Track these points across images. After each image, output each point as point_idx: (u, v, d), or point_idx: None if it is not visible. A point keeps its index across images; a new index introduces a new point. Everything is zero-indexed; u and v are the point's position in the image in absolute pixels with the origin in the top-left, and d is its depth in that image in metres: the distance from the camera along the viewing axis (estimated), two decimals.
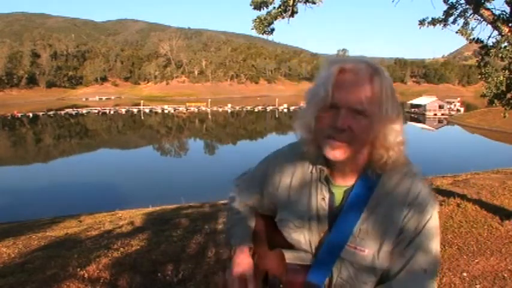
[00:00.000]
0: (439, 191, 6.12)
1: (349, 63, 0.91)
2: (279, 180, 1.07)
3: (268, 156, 1.15)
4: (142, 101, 73.30)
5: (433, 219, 0.94)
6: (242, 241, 1.12)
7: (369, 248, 0.94)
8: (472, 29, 5.18)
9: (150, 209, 7.77)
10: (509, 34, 4.54)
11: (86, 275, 3.18)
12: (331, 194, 0.99)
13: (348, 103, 0.88)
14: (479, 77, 5.34)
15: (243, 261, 1.08)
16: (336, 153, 0.90)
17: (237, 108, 69.76)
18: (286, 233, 1.04)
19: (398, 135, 0.93)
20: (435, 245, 0.94)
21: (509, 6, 4.60)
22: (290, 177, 1.05)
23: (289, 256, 1.00)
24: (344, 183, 0.99)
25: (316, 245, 1.00)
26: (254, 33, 5.61)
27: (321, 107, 0.91)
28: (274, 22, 5.42)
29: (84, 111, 65.27)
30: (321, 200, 0.99)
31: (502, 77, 4.90)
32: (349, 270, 0.96)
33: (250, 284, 1.04)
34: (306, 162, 1.03)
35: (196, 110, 68.73)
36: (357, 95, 0.88)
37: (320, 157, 0.98)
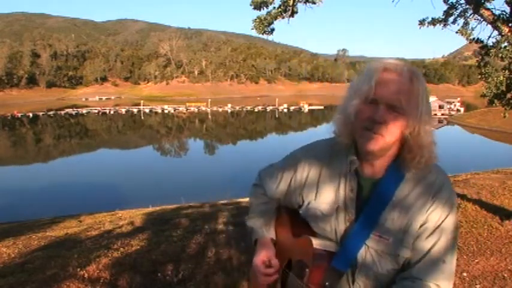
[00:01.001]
0: None
1: (392, 63, 1.00)
2: (309, 173, 1.13)
3: (296, 151, 1.20)
4: (142, 101, 73.30)
5: (454, 212, 1.01)
6: (265, 233, 1.20)
7: (394, 237, 1.00)
8: (472, 29, 5.17)
9: (150, 209, 7.77)
10: (509, 34, 4.53)
11: (86, 275, 3.18)
12: (360, 185, 1.05)
13: (387, 99, 0.95)
14: (479, 77, 5.34)
15: (266, 249, 1.16)
16: (371, 144, 0.97)
17: (237, 108, 69.77)
18: (312, 222, 1.10)
19: (430, 136, 0.99)
20: (454, 237, 1.01)
21: (509, 6, 4.60)
22: (319, 170, 1.11)
23: (316, 242, 1.06)
24: (373, 176, 1.05)
25: (342, 234, 1.06)
26: (254, 33, 5.60)
27: (362, 100, 0.98)
28: (274, 22, 5.42)
29: (84, 111, 65.28)
30: (349, 191, 1.05)
31: (502, 77, 4.89)
32: (373, 258, 1.02)
33: (273, 261, 1.13)
34: (336, 155, 1.09)
35: (196, 110, 68.74)
36: (397, 93, 0.96)
37: (351, 150, 1.05)
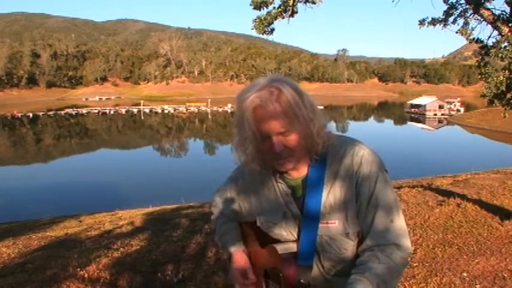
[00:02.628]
0: (439, 191, 6.12)
1: (256, 98, 1.03)
2: (249, 194, 1.24)
3: (232, 176, 1.32)
4: (142, 101, 73.28)
5: (380, 173, 1.08)
6: (236, 246, 1.27)
7: (338, 219, 1.09)
8: (472, 29, 5.17)
9: (150, 209, 7.77)
10: (509, 34, 4.53)
11: (86, 275, 3.18)
12: (292, 187, 1.15)
13: (273, 131, 1.04)
14: (479, 77, 5.33)
15: (241, 260, 1.23)
16: (286, 166, 1.10)
17: None
18: (269, 232, 1.19)
19: (318, 125, 1.08)
20: (390, 195, 1.08)
21: (509, 6, 4.60)
22: (256, 187, 1.22)
23: (280, 248, 1.15)
24: (299, 175, 1.14)
25: (297, 233, 1.15)
26: (254, 33, 5.59)
27: (255, 143, 1.07)
28: (274, 22, 5.41)
29: (84, 111, 65.27)
30: (285, 195, 1.15)
31: (502, 77, 4.89)
32: (329, 243, 1.11)
33: (250, 275, 1.20)
34: (261, 172, 1.18)
35: (196, 110, 68.74)
36: (276, 124, 1.03)
37: (270, 165, 1.15)
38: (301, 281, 1.12)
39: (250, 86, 1.08)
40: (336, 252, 1.12)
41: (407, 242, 1.07)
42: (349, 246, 1.11)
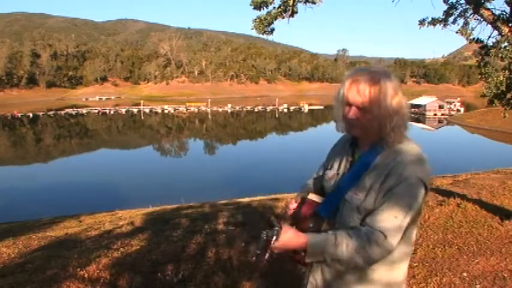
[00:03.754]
0: (439, 191, 6.12)
1: (358, 75, 1.31)
2: (334, 154, 1.53)
3: (335, 143, 1.63)
4: (142, 101, 73.23)
5: (408, 182, 1.24)
6: (300, 193, 1.58)
7: (362, 194, 1.30)
8: (472, 29, 5.17)
9: (150, 209, 7.77)
10: (509, 34, 4.53)
11: (86, 275, 3.18)
12: (354, 157, 1.42)
13: (355, 103, 1.30)
14: (479, 77, 5.33)
15: (293, 202, 1.55)
16: (352, 131, 1.37)
17: (237, 108, 69.75)
18: (324, 183, 1.49)
19: (396, 123, 1.29)
20: (407, 199, 1.25)
21: (509, 6, 4.60)
22: (339, 150, 1.51)
23: (313, 196, 1.48)
24: (362, 150, 1.39)
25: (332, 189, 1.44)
26: (254, 33, 5.59)
27: (342, 104, 1.35)
28: (274, 22, 5.41)
29: (84, 111, 65.24)
30: (346, 161, 1.43)
31: (502, 77, 4.88)
32: (347, 208, 1.34)
33: (290, 210, 1.52)
34: (344, 139, 1.51)
35: (196, 110, 68.71)
36: (360, 98, 1.29)
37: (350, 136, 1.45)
38: (311, 225, 1.38)
39: (362, 67, 1.37)
40: (345, 220, 1.33)
41: (393, 240, 1.24)
42: (356, 220, 1.31)
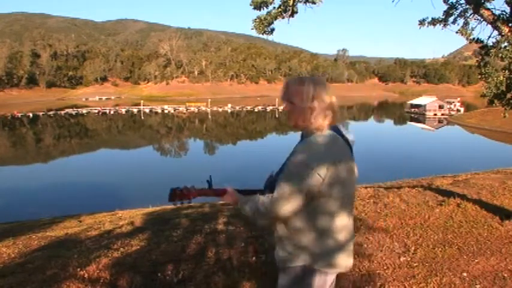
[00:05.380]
0: (439, 191, 6.12)
1: (292, 79, 1.77)
2: None
3: None
4: (142, 101, 73.19)
5: (297, 159, 1.61)
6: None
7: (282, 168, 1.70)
8: (472, 29, 5.16)
9: (150, 209, 7.77)
10: (509, 34, 4.53)
11: (86, 275, 3.18)
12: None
13: (285, 96, 1.73)
14: (479, 77, 5.32)
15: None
16: (288, 122, 1.74)
17: (237, 108, 69.72)
18: None
19: (312, 115, 1.66)
20: (292, 172, 1.61)
21: (509, 6, 4.60)
22: None
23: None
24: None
25: None
26: (254, 33, 5.58)
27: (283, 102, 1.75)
28: (274, 22, 5.41)
29: (84, 111, 65.21)
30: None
31: (502, 77, 4.88)
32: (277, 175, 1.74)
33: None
34: None
35: (196, 110, 68.68)
36: (287, 93, 1.72)
37: None
38: (266, 191, 1.76)
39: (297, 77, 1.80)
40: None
41: (277, 206, 1.61)
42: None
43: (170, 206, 7.89)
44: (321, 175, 1.57)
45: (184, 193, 1.78)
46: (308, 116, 1.65)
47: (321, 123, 1.65)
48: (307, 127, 1.67)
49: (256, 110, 68.14)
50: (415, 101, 64.84)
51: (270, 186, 1.73)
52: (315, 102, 1.64)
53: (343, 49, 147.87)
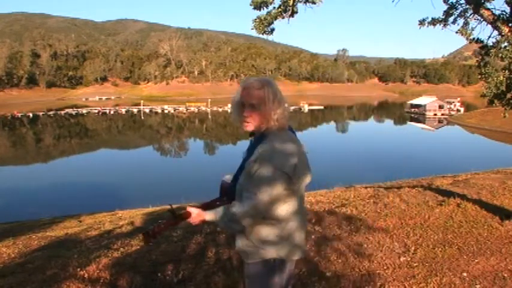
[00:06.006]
0: (439, 191, 6.12)
1: (247, 84, 1.80)
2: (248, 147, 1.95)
3: None
4: (142, 101, 73.19)
5: (262, 169, 1.68)
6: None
7: (243, 178, 1.78)
8: (472, 29, 5.15)
9: (150, 209, 7.78)
10: (509, 34, 4.53)
11: (86, 275, 3.18)
12: (250, 148, 1.84)
13: (247, 102, 1.76)
14: (479, 77, 5.31)
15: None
16: (247, 127, 1.79)
17: None
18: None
19: (275, 117, 1.74)
20: (264, 180, 1.67)
21: (509, 6, 4.60)
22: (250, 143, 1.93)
23: (227, 177, 1.99)
24: (255, 139, 1.83)
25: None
26: (254, 33, 5.58)
27: (238, 106, 1.81)
28: (274, 22, 5.40)
29: (84, 111, 65.22)
30: (249, 150, 1.85)
31: (502, 77, 4.88)
32: (241, 186, 1.79)
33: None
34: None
35: (196, 110, 68.67)
36: (250, 98, 1.76)
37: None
38: (224, 198, 1.91)
39: (249, 78, 1.84)
40: (239, 198, 1.78)
41: (242, 207, 1.70)
42: (243, 197, 1.75)
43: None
44: (293, 169, 1.70)
45: (156, 231, 1.78)
46: (272, 118, 1.72)
47: (284, 123, 1.76)
48: (268, 128, 1.73)
49: None
50: (415, 101, 64.84)
51: (229, 192, 1.85)
52: (276, 103, 1.74)
53: (343, 49, 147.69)
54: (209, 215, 1.81)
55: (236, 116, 1.82)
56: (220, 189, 1.95)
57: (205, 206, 1.90)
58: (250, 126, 1.76)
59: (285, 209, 1.76)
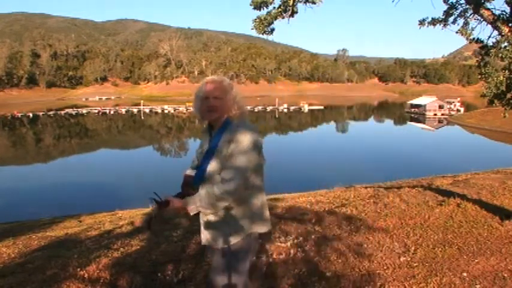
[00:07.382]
0: (439, 191, 6.12)
1: (209, 80, 2.08)
2: (201, 140, 2.21)
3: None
4: (142, 101, 73.19)
5: (239, 144, 1.92)
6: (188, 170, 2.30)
7: (216, 163, 1.98)
8: (472, 29, 5.15)
9: (150, 209, 7.75)
10: (509, 34, 4.53)
11: (86, 275, 3.18)
12: (212, 138, 2.06)
13: (211, 95, 2.03)
14: (479, 77, 5.31)
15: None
16: (211, 116, 2.05)
17: None
18: (198, 160, 2.16)
19: (234, 106, 2.04)
20: (243, 163, 1.91)
21: (509, 6, 4.59)
22: (202, 136, 2.20)
23: (189, 172, 2.21)
24: (217, 131, 2.05)
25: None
26: (254, 33, 5.56)
27: (202, 100, 2.06)
28: (274, 22, 5.40)
29: (84, 111, 65.22)
30: (207, 142, 2.09)
31: (502, 77, 4.87)
32: (213, 173, 1.98)
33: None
34: (205, 128, 2.17)
35: None
36: (214, 91, 2.03)
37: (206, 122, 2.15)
38: (190, 190, 2.07)
39: (208, 77, 2.13)
40: (214, 179, 1.96)
41: (224, 188, 1.90)
42: (217, 180, 1.95)
43: None
44: (261, 145, 2.02)
45: (166, 204, 1.98)
46: (233, 106, 2.02)
47: (244, 110, 2.07)
48: (231, 116, 2.02)
49: (256, 110, 68.05)
50: (415, 101, 64.84)
51: (191, 183, 2.07)
52: (233, 94, 2.04)
53: (343, 49, 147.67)
54: (190, 201, 1.97)
55: (199, 107, 2.06)
56: (183, 183, 2.14)
57: (179, 195, 2.08)
58: (214, 114, 2.02)
59: (259, 178, 2.03)
